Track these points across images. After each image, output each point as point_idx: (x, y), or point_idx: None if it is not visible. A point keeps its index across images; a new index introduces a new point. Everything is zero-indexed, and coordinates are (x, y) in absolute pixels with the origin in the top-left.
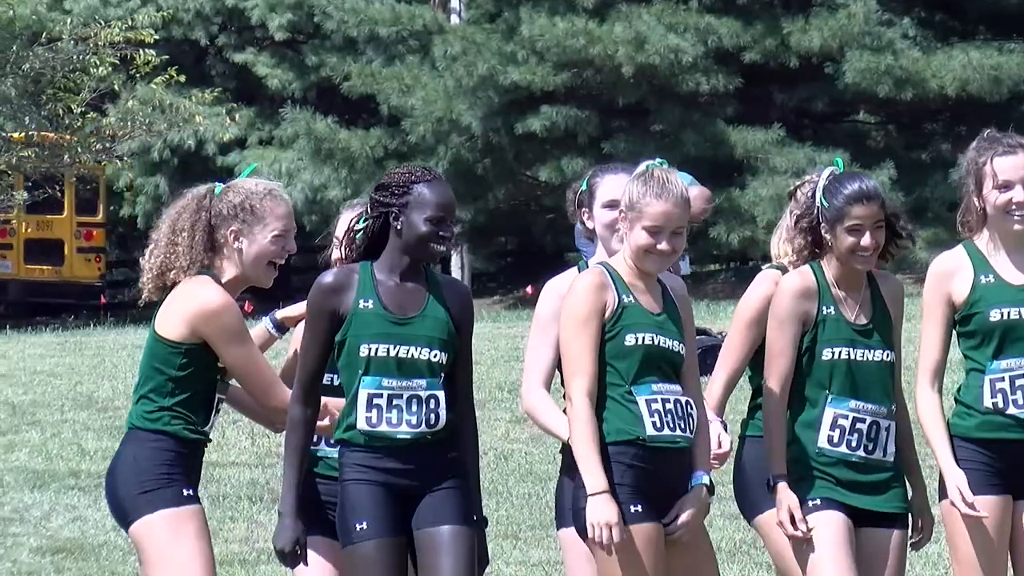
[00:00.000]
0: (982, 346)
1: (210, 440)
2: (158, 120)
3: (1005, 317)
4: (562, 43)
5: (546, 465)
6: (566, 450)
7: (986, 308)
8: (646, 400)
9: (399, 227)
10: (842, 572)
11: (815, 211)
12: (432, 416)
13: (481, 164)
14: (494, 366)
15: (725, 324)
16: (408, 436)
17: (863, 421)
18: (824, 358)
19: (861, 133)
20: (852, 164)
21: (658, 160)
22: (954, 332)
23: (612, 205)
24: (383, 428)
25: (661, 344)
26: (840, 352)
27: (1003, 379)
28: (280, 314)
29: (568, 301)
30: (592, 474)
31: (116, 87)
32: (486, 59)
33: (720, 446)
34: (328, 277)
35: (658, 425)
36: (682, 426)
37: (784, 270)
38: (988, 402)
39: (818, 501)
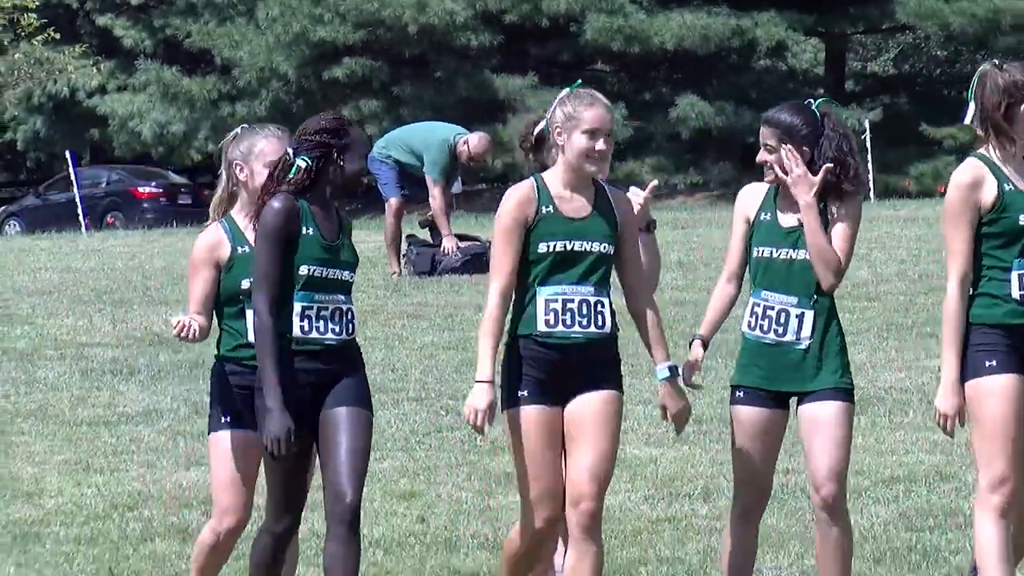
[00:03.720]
0: (1008, 246)
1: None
2: (38, 70)
3: None
4: (360, 7)
5: None
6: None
7: (1015, 213)
8: (546, 300)
9: (342, 163)
10: (743, 459)
11: None
12: (350, 326)
13: (295, 104)
14: None
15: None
16: (334, 342)
17: (772, 309)
18: (753, 256)
19: (599, 79)
20: None
21: (579, 83)
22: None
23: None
24: (314, 335)
25: (575, 248)
26: (763, 251)
27: None
28: None
29: (498, 212)
30: (480, 364)
31: (5, 43)
32: (299, 20)
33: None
34: (279, 202)
35: (551, 323)
36: (583, 323)
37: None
38: (1016, 294)
39: (742, 393)
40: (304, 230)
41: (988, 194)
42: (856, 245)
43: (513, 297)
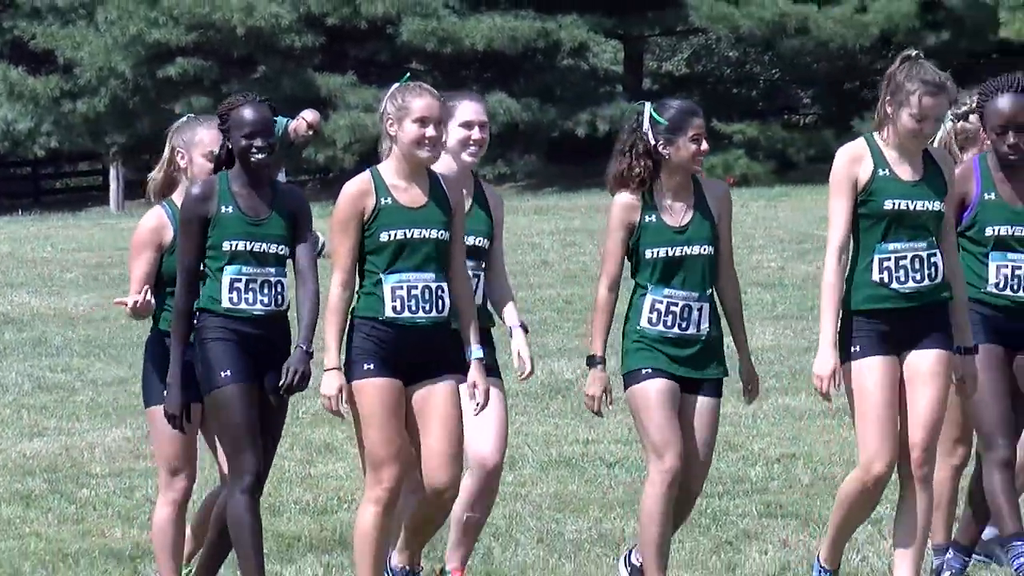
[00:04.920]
0: (873, 229)
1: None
2: None
3: (896, 207)
4: (192, 10)
5: None
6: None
7: (881, 198)
8: (392, 287)
9: (230, 146)
10: (664, 424)
11: (646, 135)
12: (279, 297)
13: (132, 101)
14: None
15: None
16: (261, 313)
17: (676, 305)
18: (647, 256)
19: (415, 78)
20: None
21: (407, 76)
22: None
23: (468, 125)
24: (242, 306)
25: (416, 236)
26: (658, 251)
27: (889, 259)
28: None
29: (336, 207)
30: (328, 353)
31: None
32: (136, 23)
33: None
34: (196, 189)
35: (398, 308)
36: (426, 308)
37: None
38: (876, 277)
39: (649, 370)
40: (222, 209)
41: (864, 174)
42: None
43: (356, 283)
